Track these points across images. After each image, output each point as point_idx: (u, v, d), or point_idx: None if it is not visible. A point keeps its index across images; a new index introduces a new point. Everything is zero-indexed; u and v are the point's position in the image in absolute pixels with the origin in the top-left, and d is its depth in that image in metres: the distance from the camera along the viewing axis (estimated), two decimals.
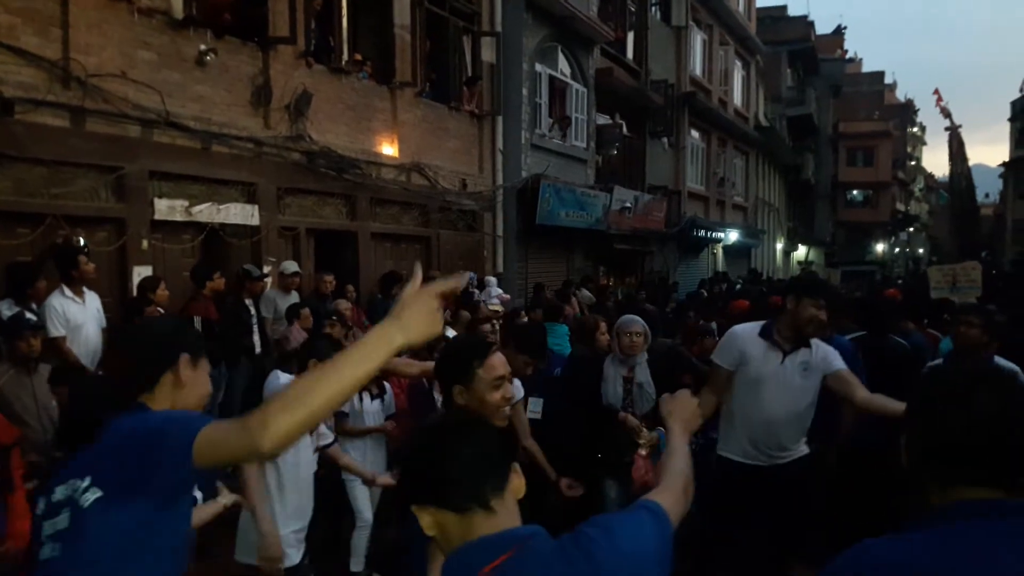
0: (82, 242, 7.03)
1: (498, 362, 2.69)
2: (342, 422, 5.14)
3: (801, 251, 40.67)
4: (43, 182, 7.10)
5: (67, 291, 6.27)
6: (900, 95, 65.12)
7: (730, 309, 9.91)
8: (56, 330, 5.99)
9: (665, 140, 21.38)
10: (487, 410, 2.59)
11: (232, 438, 1.65)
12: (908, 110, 62.76)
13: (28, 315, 5.55)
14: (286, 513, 4.23)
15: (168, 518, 1.88)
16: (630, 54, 19.49)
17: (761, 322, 4.44)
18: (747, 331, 4.40)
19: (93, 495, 1.82)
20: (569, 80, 16.46)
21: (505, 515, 1.54)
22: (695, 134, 23.93)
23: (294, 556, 4.32)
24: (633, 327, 5.41)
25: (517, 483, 1.61)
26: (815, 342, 4.29)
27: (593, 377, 5.44)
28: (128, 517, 1.81)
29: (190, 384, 2.11)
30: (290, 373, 4.72)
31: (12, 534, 3.67)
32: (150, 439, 1.76)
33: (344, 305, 7.90)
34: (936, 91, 45.45)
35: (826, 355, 4.25)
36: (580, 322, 7.40)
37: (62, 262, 6.41)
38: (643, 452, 4.81)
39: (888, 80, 62.83)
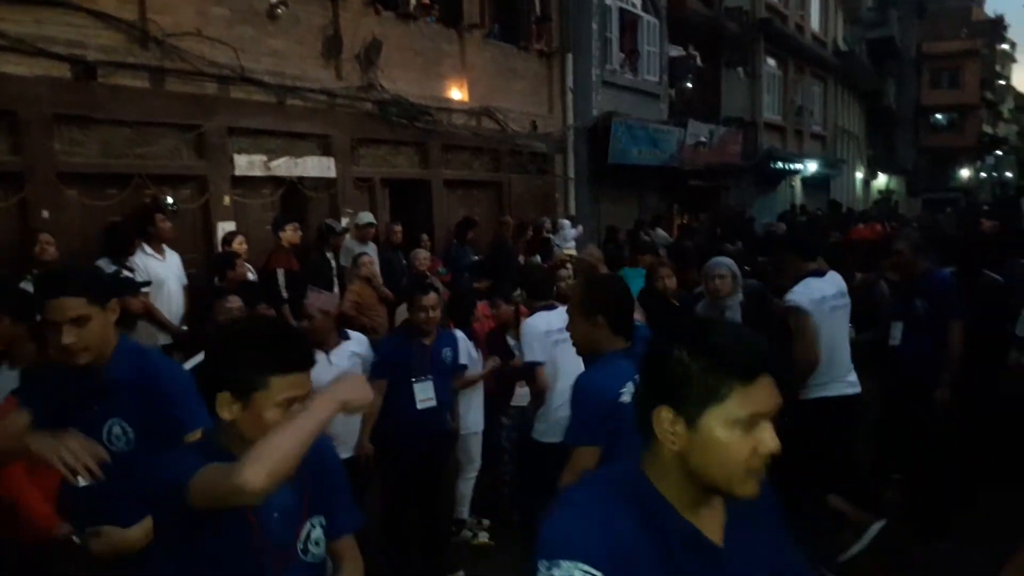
0: (170, 201, 7.21)
1: None
2: (462, 374, 5.16)
3: (881, 180, 39.32)
4: (127, 143, 7.30)
5: (148, 248, 6.48)
6: (989, 11, 61.75)
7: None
8: None
9: (740, 70, 20.72)
10: None
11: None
12: (997, 26, 59.30)
13: (125, 273, 5.75)
14: None
15: None
16: None
17: None
18: None
19: None
20: (640, 12, 16.02)
21: None
22: (771, 62, 23.10)
23: None
24: (718, 270, 5.37)
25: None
26: None
27: (657, 320, 5.39)
28: None
29: None
30: None
31: None
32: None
33: (423, 255, 7.96)
34: None
35: None
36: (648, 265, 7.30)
37: (140, 220, 6.62)
38: None
39: None
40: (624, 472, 1.51)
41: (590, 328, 2.97)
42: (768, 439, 1.40)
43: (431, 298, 4.70)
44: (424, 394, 4.70)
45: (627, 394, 2.78)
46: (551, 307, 4.93)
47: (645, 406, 1.46)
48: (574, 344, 3.10)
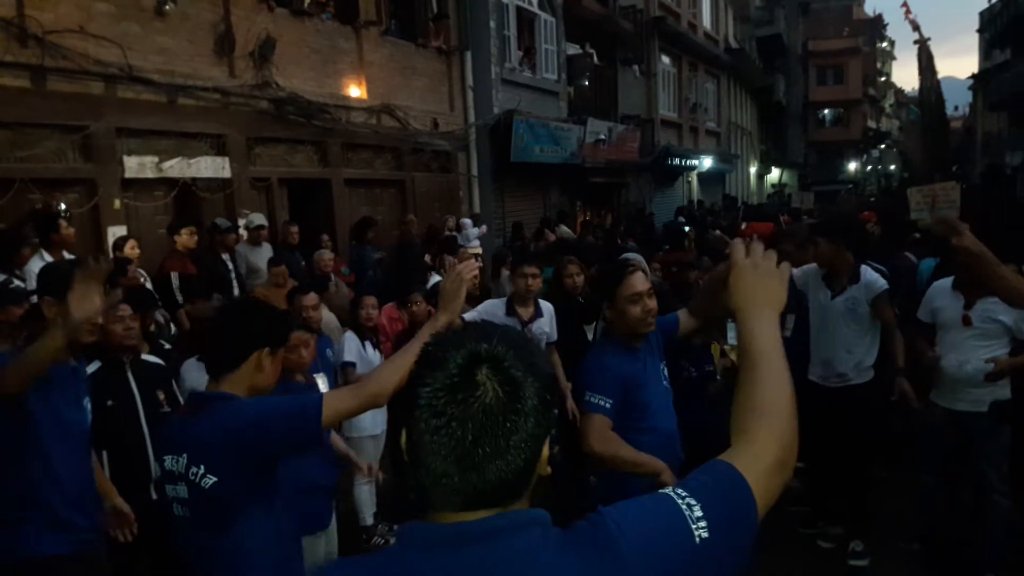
0: (63, 207, 6.89)
1: (636, 280, 3.14)
2: (349, 371, 5.13)
3: (774, 174, 40.72)
4: (7, 145, 6.96)
5: (47, 256, 6.19)
6: (868, 10, 64.56)
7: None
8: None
9: (636, 67, 21.14)
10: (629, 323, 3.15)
11: None
12: (877, 25, 62.26)
13: (16, 283, 5.48)
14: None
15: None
16: None
17: None
18: None
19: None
20: (537, 10, 16.15)
21: None
22: (666, 60, 23.65)
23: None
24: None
25: None
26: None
27: (565, 318, 5.54)
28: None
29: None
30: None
31: None
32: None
33: (326, 256, 7.84)
34: (904, 3, 45.02)
35: None
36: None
37: (42, 227, 6.33)
38: None
39: None
40: None
41: None
42: None
43: (312, 297, 4.81)
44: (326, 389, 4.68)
45: None
46: None
47: None
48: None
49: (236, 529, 2.23)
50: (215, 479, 2.19)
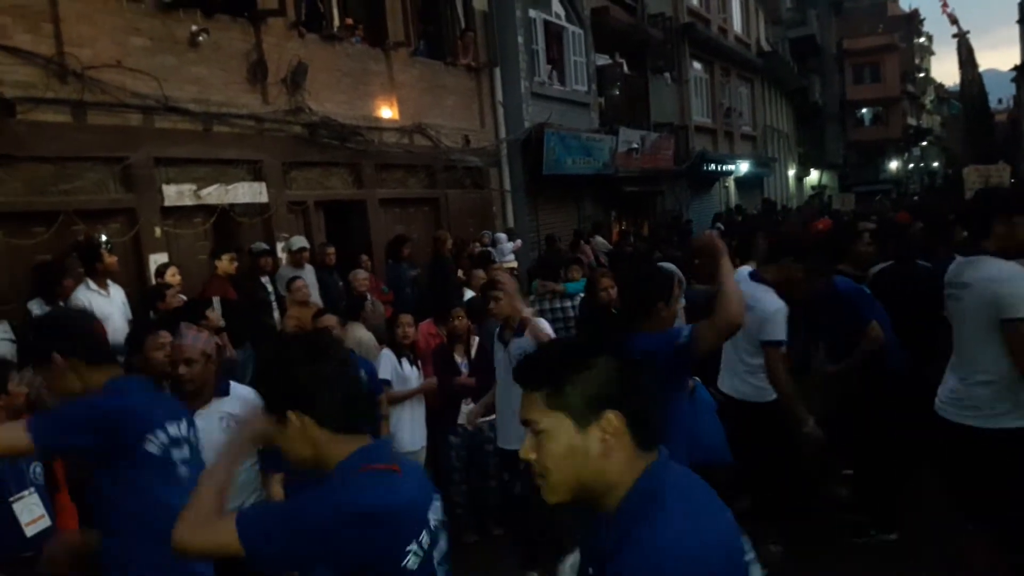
0: (104, 238, 7.09)
1: None
2: (385, 388, 5.16)
3: (814, 176, 40.25)
4: (51, 179, 7.16)
5: (92, 284, 6.41)
6: (904, 5, 63.69)
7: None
8: None
9: (667, 75, 21.08)
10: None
11: None
12: (913, 20, 61.35)
13: None
14: None
15: None
16: None
17: None
18: None
19: None
20: (564, 23, 16.22)
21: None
22: (697, 66, 23.57)
23: None
24: None
25: None
26: None
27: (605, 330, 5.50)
28: None
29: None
30: None
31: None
32: None
33: (362, 275, 7.94)
34: None
35: None
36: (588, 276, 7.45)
37: (86, 257, 6.53)
38: None
39: None
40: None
41: None
42: None
43: (330, 318, 4.85)
44: None
45: None
46: None
47: None
48: None
49: None
50: None
